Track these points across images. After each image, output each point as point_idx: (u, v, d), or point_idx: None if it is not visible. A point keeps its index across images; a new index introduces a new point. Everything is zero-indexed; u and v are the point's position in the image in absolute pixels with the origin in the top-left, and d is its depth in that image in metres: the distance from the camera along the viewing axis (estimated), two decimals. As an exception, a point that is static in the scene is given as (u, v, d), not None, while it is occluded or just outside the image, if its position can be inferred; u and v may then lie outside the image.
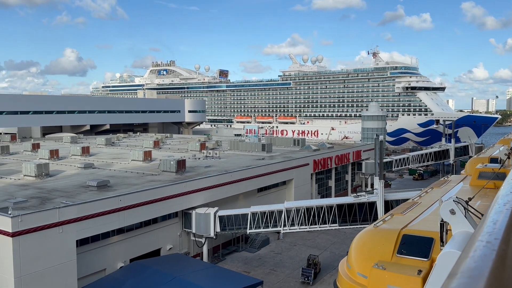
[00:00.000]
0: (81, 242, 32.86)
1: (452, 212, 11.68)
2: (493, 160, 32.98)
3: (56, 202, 33.55)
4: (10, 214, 28.21)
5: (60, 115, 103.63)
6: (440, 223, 12.49)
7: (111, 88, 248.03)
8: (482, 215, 11.67)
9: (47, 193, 38.39)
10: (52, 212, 30.14)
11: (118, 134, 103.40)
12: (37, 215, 29.40)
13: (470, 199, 13.21)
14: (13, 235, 27.69)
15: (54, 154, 60.12)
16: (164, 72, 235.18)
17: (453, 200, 11.78)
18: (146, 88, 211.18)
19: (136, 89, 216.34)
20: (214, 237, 42.64)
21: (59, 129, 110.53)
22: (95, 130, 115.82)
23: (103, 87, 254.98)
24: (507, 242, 1.88)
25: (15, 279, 27.74)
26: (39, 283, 28.99)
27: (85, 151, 64.34)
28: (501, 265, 1.70)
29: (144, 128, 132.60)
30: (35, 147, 69.89)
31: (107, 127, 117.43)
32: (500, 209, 2.37)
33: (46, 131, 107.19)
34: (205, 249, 43.53)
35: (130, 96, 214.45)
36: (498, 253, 1.77)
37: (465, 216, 11.63)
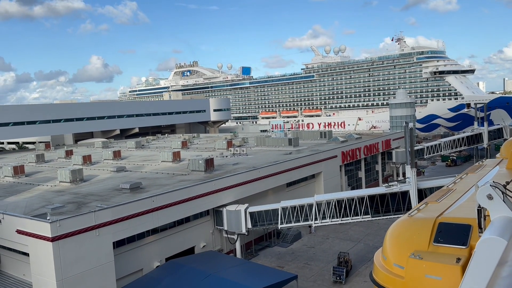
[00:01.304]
0: (117, 244, 33.69)
1: (490, 197, 11.28)
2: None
3: (91, 206, 34.50)
4: (48, 219, 29.15)
5: (90, 121, 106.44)
6: (478, 209, 12.10)
7: (137, 92, 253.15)
8: (522, 198, 11.24)
9: (83, 197, 39.56)
10: (88, 216, 31.05)
11: (147, 137, 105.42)
12: (74, 219, 30.31)
13: (508, 183, 12.73)
14: (52, 239, 28.69)
15: (87, 159, 61.84)
16: (188, 73, 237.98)
17: (490, 185, 11.37)
18: (171, 90, 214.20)
19: (161, 92, 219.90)
20: (246, 233, 42.89)
21: (90, 135, 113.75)
22: (125, 134, 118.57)
23: (130, 91, 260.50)
24: None
25: (57, 282, 28.76)
26: (79, 285, 29.94)
27: (117, 155, 65.87)
28: None
29: (171, 129, 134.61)
30: (69, 153, 72.09)
31: (136, 130, 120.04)
32: None
33: (78, 137, 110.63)
34: (238, 245, 43.89)
35: (157, 99, 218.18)
36: None
37: (503, 200, 11.22)
